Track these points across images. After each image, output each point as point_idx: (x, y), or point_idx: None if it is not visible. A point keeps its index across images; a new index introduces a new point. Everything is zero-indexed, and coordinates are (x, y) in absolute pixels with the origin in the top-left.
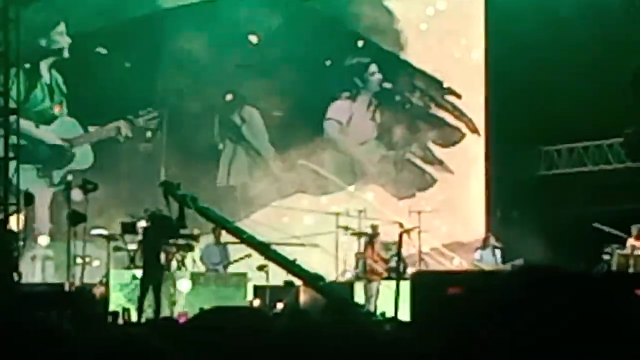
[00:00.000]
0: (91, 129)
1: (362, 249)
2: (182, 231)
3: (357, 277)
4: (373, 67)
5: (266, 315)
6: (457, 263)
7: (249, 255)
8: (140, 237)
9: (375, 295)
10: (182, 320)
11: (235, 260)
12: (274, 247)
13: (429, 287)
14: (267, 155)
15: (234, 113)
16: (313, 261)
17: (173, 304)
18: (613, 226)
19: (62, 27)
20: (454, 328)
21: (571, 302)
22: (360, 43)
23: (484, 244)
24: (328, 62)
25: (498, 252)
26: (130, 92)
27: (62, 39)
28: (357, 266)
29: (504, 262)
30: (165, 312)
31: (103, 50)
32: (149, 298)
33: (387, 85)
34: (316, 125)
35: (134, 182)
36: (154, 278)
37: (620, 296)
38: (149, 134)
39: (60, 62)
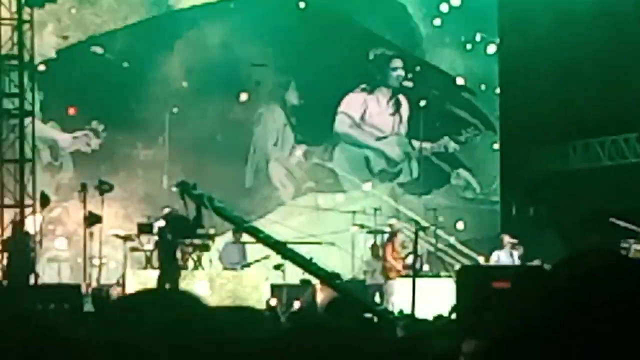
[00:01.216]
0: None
1: (379, 247)
2: (199, 231)
3: (371, 274)
4: (397, 62)
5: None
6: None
7: (267, 257)
8: (156, 238)
9: (392, 293)
10: None
11: (255, 262)
12: (290, 246)
13: (475, 281)
14: (283, 154)
15: (249, 111)
16: (329, 260)
17: None
18: (630, 221)
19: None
20: (502, 322)
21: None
22: (378, 39)
23: (500, 244)
24: (344, 59)
25: (515, 253)
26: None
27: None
28: (372, 264)
29: (522, 262)
30: None
31: (99, 50)
32: None
33: (408, 84)
34: (332, 122)
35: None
36: (171, 278)
37: None
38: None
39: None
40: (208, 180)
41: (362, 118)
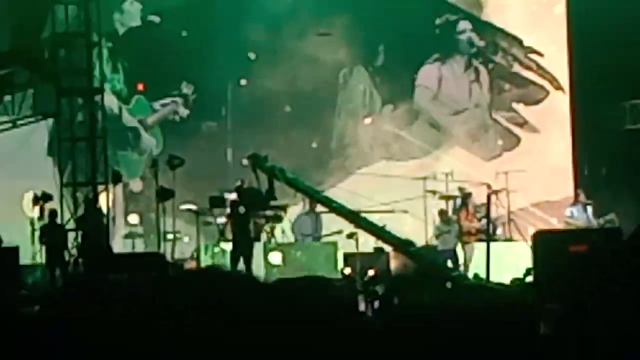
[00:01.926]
0: (155, 105)
1: (448, 212)
2: (272, 202)
3: (443, 240)
4: (463, 24)
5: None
6: (555, 223)
7: (340, 231)
8: (228, 211)
9: (470, 256)
10: None
11: (327, 235)
12: (363, 215)
13: (551, 245)
14: (356, 120)
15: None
16: (402, 227)
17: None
18: None
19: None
20: (580, 286)
21: None
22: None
23: (575, 201)
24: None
25: (589, 209)
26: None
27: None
28: (442, 229)
29: (596, 217)
30: None
31: (156, 19)
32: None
33: (481, 43)
34: (404, 89)
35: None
36: (245, 250)
37: None
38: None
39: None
40: (276, 151)
41: (439, 88)
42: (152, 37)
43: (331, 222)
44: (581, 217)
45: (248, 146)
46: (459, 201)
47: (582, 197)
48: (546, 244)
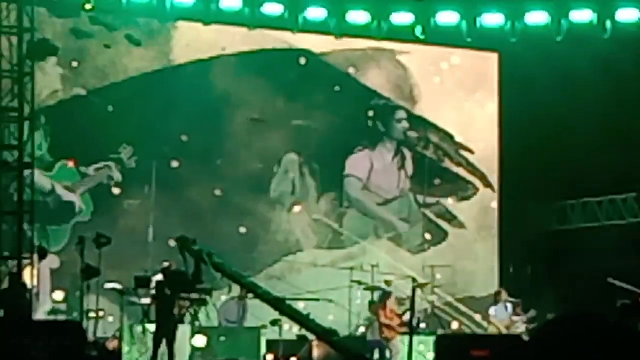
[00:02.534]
0: (84, 170)
1: (377, 304)
2: (198, 286)
3: (372, 331)
4: (401, 114)
5: None
6: (478, 319)
7: (264, 327)
8: (153, 292)
9: (397, 352)
10: None
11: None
12: (288, 302)
13: (454, 349)
14: (282, 209)
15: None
16: (327, 316)
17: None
18: (627, 282)
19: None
20: None
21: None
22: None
23: (496, 299)
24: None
25: (510, 307)
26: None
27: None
28: (370, 322)
29: (522, 315)
30: None
31: (82, 92)
32: (163, 352)
33: (413, 134)
34: (332, 178)
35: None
36: (168, 332)
37: None
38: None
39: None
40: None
41: (369, 178)
42: (80, 111)
43: (258, 310)
44: (503, 316)
45: (173, 227)
46: (377, 295)
47: (504, 295)
48: (449, 347)
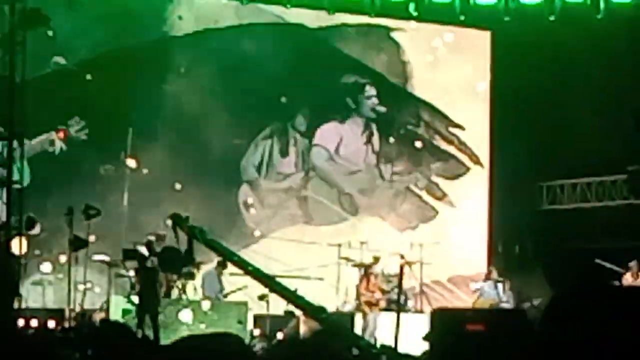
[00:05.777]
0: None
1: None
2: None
3: (357, 309)
4: (371, 90)
5: (243, 341)
6: (466, 298)
7: (245, 287)
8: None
9: (374, 327)
10: None
11: (232, 292)
12: (278, 279)
13: (449, 323)
14: (269, 185)
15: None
16: (315, 292)
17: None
18: (614, 262)
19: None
20: None
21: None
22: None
23: (486, 277)
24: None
25: (500, 286)
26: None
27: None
28: (357, 297)
29: (513, 295)
30: (165, 341)
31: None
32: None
33: (381, 109)
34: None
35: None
36: (151, 307)
37: None
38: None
39: None
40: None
41: (337, 150)
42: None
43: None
44: (491, 294)
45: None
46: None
47: (494, 274)
48: (443, 321)
